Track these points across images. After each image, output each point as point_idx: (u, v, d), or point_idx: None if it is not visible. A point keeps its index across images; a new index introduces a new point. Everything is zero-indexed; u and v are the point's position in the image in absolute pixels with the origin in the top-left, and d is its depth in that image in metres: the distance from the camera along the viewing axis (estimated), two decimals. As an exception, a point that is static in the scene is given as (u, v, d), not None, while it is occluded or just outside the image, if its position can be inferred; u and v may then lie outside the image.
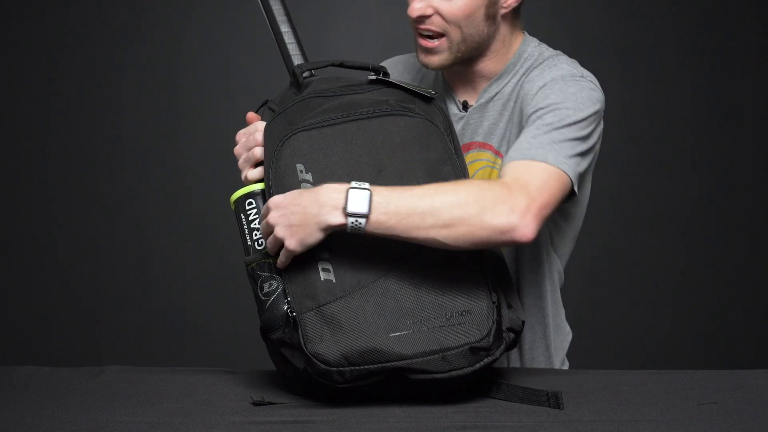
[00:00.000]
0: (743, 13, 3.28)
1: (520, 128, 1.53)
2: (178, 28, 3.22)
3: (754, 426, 1.25)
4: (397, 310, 1.28)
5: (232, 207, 1.41)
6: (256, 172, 1.42)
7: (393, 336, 1.27)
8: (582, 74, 1.54)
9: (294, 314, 1.31)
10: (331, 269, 1.31)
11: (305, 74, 1.48)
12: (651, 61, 3.24)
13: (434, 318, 1.28)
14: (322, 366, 1.27)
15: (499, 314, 1.31)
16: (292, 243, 1.29)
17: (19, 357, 3.13)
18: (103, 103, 3.22)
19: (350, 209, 1.26)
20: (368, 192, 1.26)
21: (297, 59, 1.51)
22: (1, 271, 3.24)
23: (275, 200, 1.31)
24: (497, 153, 1.61)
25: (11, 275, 3.24)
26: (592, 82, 1.53)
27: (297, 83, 1.46)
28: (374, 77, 1.45)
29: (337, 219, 1.27)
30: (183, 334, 3.24)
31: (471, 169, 1.62)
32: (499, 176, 1.42)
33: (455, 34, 1.55)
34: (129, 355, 3.17)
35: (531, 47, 1.62)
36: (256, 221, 1.38)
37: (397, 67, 1.76)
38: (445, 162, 1.37)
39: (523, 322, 1.36)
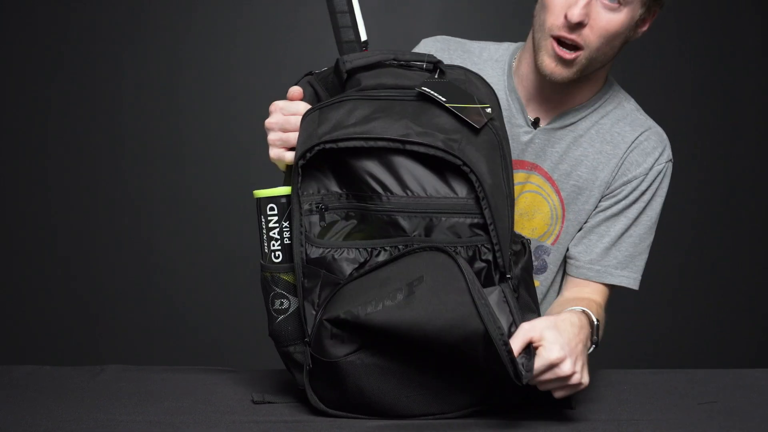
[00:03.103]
0: (744, 13, 3.28)
1: (604, 186, 1.61)
2: (178, 27, 3.22)
3: (754, 425, 1.25)
4: (407, 381, 1.25)
5: (254, 199, 1.35)
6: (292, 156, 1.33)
7: (395, 400, 1.26)
8: (670, 152, 1.66)
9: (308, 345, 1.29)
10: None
11: (353, 50, 1.36)
12: (651, 60, 3.24)
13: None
14: (322, 406, 1.29)
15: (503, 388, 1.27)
16: (586, 379, 1.27)
17: (19, 356, 3.13)
18: (103, 101, 3.21)
19: (595, 344, 1.41)
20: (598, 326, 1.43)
21: (346, 33, 1.38)
22: (1, 270, 3.24)
23: (558, 354, 1.23)
24: (549, 179, 1.61)
25: (12, 274, 3.24)
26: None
27: (339, 75, 1.32)
28: (425, 92, 1.27)
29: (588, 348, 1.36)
30: (183, 333, 3.24)
31: (517, 190, 1.61)
32: (579, 265, 1.62)
33: (594, 51, 1.50)
34: (129, 355, 3.17)
35: (611, 91, 1.65)
36: (275, 230, 1.32)
37: (456, 52, 1.66)
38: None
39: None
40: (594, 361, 1.53)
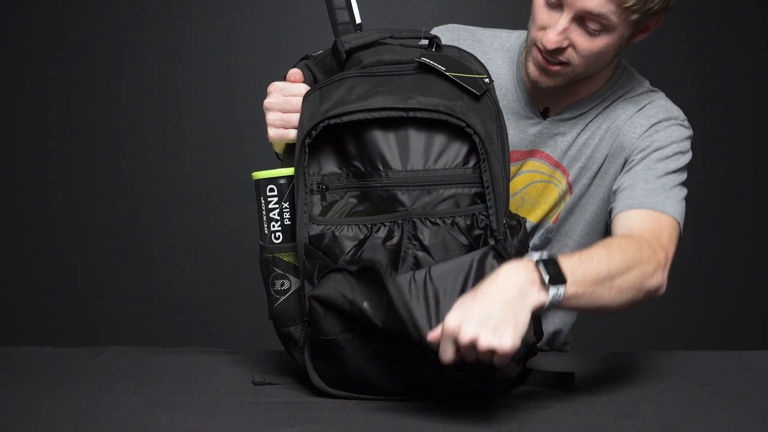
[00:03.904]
0: (744, 13, 3.27)
1: (614, 164, 1.56)
2: (176, 14, 3.21)
3: (754, 406, 1.26)
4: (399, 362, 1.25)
5: (254, 181, 1.36)
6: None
7: (392, 375, 1.26)
8: (682, 117, 1.57)
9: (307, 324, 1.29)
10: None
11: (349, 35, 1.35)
12: (651, 60, 3.22)
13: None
14: (323, 385, 1.29)
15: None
16: (507, 341, 1.11)
17: (20, 337, 3.13)
18: (102, 87, 3.20)
19: (550, 283, 1.17)
20: (557, 262, 1.19)
21: (341, 15, 1.38)
22: (1, 252, 3.24)
23: (452, 323, 1.12)
24: (558, 166, 1.59)
25: (12, 256, 3.24)
26: (689, 127, 1.57)
27: (338, 56, 1.33)
28: (424, 62, 1.28)
29: (542, 296, 1.17)
30: (184, 315, 3.25)
31: (526, 180, 1.60)
32: (612, 211, 1.48)
33: (580, 67, 1.49)
34: (129, 337, 3.17)
35: (624, 76, 1.61)
36: (275, 211, 1.32)
37: (466, 41, 1.64)
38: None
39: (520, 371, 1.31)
40: (595, 343, 1.53)
